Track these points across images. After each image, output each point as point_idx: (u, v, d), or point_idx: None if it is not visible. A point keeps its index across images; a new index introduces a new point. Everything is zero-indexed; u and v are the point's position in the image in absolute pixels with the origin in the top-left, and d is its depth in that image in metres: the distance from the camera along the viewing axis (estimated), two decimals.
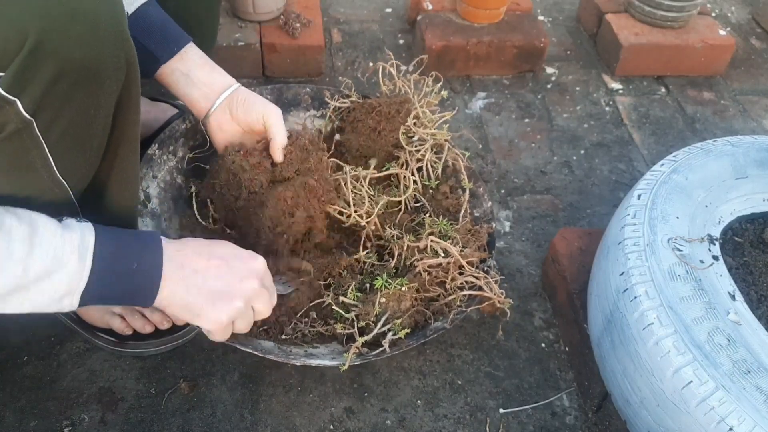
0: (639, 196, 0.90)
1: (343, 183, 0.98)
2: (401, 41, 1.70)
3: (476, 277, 0.93)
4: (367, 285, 0.95)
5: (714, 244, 0.85)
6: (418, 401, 0.96)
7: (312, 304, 0.94)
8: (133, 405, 0.92)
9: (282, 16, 1.49)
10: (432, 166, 1.07)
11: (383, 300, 0.90)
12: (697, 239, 0.84)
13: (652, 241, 0.83)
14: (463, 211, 1.04)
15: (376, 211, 0.98)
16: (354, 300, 0.92)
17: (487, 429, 0.94)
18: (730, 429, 0.69)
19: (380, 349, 0.87)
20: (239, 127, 0.93)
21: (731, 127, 1.54)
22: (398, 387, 0.98)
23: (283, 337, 0.91)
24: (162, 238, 0.72)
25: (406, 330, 0.89)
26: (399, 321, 0.89)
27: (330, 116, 1.08)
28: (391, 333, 0.88)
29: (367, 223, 0.98)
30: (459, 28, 1.56)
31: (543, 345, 1.06)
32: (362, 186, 1.00)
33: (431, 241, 0.95)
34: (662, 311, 0.77)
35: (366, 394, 0.96)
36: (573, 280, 1.04)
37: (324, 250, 1.01)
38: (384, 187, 1.07)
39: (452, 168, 1.09)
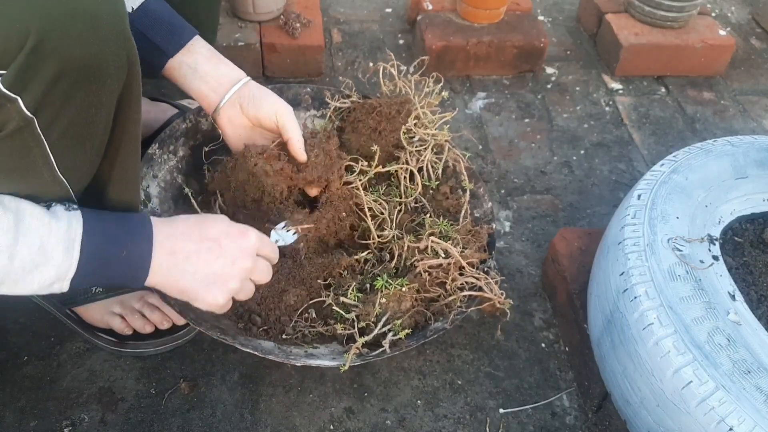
0: (639, 196, 0.90)
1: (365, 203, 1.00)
2: (401, 41, 1.70)
3: (476, 278, 0.93)
4: (368, 285, 0.95)
5: (714, 244, 0.85)
6: (418, 401, 0.96)
7: (312, 302, 0.94)
8: (133, 405, 0.92)
9: (282, 16, 1.49)
10: (432, 167, 1.07)
11: (383, 300, 0.90)
12: (697, 239, 0.84)
13: (652, 241, 0.83)
14: (463, 212, 1.04)
15: (393, 231, 1.00)
16: (354, 300, 0.92)
17: (487, 429, 0.94)
18: (730, 429, 0.69)
19: (380, 349, 0.86)
20: (249, 122, 0.93)
21: (731, 127, 1.54)
22: (398, 387, 0.98)
23: (284, 337, 0.91)
24: (152, 220, 0.72)
25: (407, 330, 0.89)
26: (399, 321, 0.89)
27: (330, 116, 1.08)
28: (391, 333, 0.88)
29: (383, 239, 1.01)
30: (459, 28, 1.56)
31: (543, 345, 1.06)
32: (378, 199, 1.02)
33: (431, 241, 0.95)
34: (662, 311, 0.77)
35: (366, 394, 0.96)
36: (573, 280, 1.04)
37: (325, 250, 1.02)
38: (384, 187, 1.07)
39: (452, 168, 1.09)
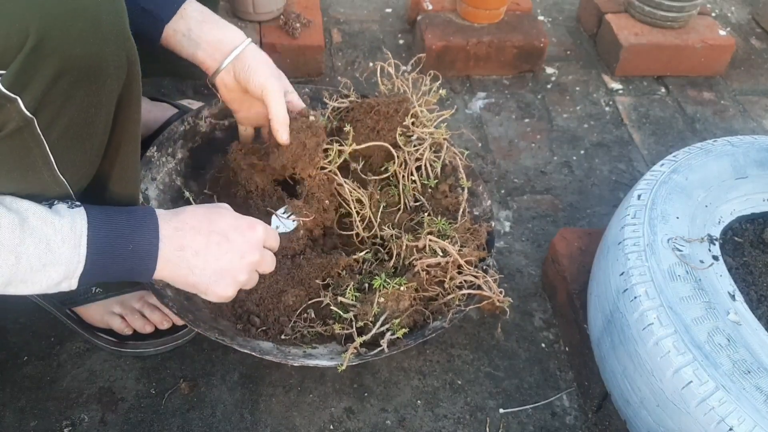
0: (639, 196, 0.90)
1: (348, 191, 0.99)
2: (401, 41, 1.70)
3: (475, 276, 0.93)
4: (366, 285, 0.95)
5: (714, 244, 0.85)
6: (418, 401, 0.96)
7: (311, 302, 0.94)
8: (133, 405, 0.92)
9: (282, 16, 1.49)
10: (431, 165, 1.07)
11: (382, 300, 0.90)
12: (697, 239, 0.84)
13: (652, 241, 0.83)
14: (461, 210, 1.04)
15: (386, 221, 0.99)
16: (352, 300, 0.92)
17: (487, 429, 0.94)
18: (730, 429, 0.69)
19: (378, 349, 0.86)
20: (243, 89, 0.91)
21: (731, 127, 1.54)
22: (398, 387, 0.98)
23: (283, 337, 0.91)
24: (158, 213, 0.72)
25: (404, 330, 0.89)
26: (397, 321, 0.89)
27: (329, 116, 1.08)
28: (389, 333, 0.88)
29: (366, 231, 1.00)
30: (459, 28, 1.56)
31: (543, 345, 1.06)
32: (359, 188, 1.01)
33: (429, 240, 0.95)
34: (662, 311, 0.77)
35: (366, 394, 0.96)
36: (573, 280, 1.04)
37: (324, 251, 1.02)
38: (382, 186, 1.07)
39: (451, 167, 1.09)
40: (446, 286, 0.94)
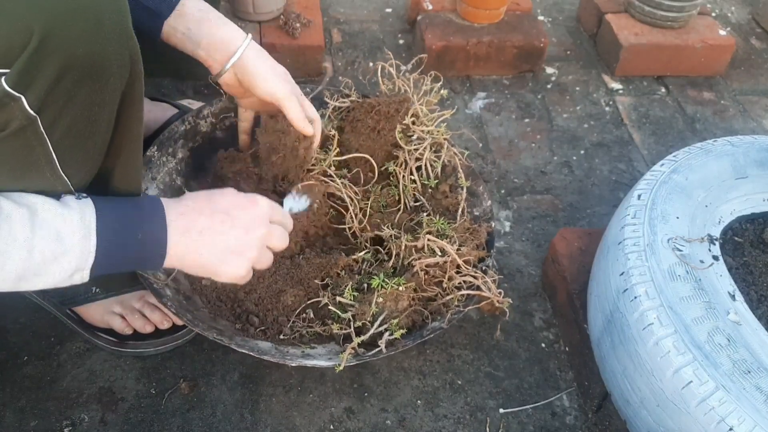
0: (639, 196, 0.90)
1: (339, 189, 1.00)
2: (401, 41, 1.70)
3: (474, 277, 0.93)
4: (365, 285, 0.95)
5: (714, 244, 0.85)
6: (418, 401, 0.96)
7: (310, 302, 0.94)
8: (133, 405, 0.92)
9: (282, 16, 1.49)
10: (431, 165, 1.07)
11: (380, 300, 0.90)
12: (697, 239, 0.84)
13: (652, 241, 0.83)
14: (460, 210, 1.04)
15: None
16: (351, 300, 0.92)
17: (487, 429, 0.94)
18: (730, 429, 0.69)
19: (377, 349, 0.86)
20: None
21: (731, 127, 1.54)
22: (398, 387, 0.98)
23: (281, 337, 0.91)
24: (163, 201, 0.72)
25: (402, 330, 0.89)
26: (396, 321, 0.89)
27: (329, 116, 1.08)
28: (387, 333, 0.88)
29: (360, 227, 1.00)
30: (459, 28, 1.56)
31: (543, 345, 1.06)
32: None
33: (428, 240, 0.94)
34: (662, 311, 0.77)
35: (366, 394, 0.96)
36: (573, 280, 1.04)
37: (324, 250, 1.02)
38: (382, 186, 1.07)
39: (452, 167, 1.09)
40: (445, 286, 0.94)
